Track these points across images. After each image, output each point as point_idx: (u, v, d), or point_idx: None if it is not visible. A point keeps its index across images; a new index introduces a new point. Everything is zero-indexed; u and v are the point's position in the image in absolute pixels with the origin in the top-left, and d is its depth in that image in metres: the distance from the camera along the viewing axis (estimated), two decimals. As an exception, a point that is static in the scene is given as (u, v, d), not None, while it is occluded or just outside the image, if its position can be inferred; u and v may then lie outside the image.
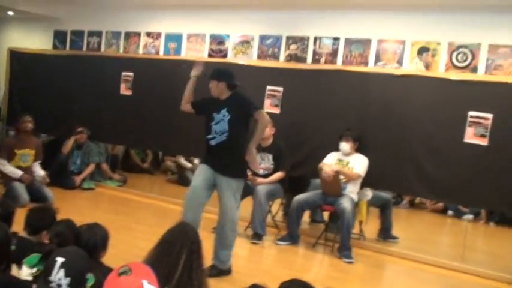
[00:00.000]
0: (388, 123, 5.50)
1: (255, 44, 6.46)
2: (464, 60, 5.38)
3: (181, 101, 4.48)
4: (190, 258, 2.37)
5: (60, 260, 2.00)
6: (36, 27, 8.32)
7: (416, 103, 5.38)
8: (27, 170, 6.20)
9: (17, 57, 8.34)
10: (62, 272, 1.97)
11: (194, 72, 4.43)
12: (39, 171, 6.32)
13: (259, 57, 6.44)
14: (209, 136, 4.14)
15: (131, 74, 7.25)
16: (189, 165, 8.44)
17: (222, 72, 4.23)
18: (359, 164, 5.37)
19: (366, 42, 5.79)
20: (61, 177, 7.05)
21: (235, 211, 4.15)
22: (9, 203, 3.43)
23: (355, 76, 5.72)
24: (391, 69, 5.64)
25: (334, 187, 5.30)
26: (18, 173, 6.05)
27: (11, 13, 8.04)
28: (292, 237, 5.45)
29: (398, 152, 5.47)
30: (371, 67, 5.76)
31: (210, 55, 6.76)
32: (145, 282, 1.92)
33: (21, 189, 5.94)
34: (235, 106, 4.09)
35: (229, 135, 4.06)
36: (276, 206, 6.16)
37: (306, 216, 6.00)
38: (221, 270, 4.17)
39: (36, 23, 8.30)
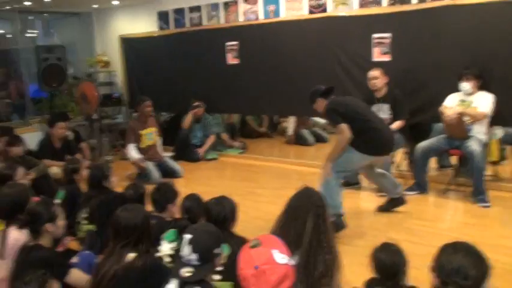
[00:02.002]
0: (512, 54, 5.04)
1: (355, -9, 6.18)
2: None
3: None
4: (317, 222, 2.38)
5: (188, 236, 2.08)
6: (141, 12, 8.64)
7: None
8: (154, 146, 6.69)
9: (128, 43, 8.80)
10: (189, 248, 2.06)
11: None
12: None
13: (360, 5, 6.14)
14: None
15: (236, 42, 7.33)
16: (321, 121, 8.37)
17: (310, 93, 4.38)
18: (484, 102, 5.01)
19: (478, -31, 5.28)
20: (185, 151, 7.44)
21: (326, 173, 4.11)
22: (139, 185, 3.67)
23: (468, 8, 5.26)
24: (509, -6, 5.12)
25: (459, 130, 5.02)
26: (134, 157, 6.45)
27: (116, 2, 8.43)
28: (420, 186, 5.29)
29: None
30: (485, -4, 5.26)
31: (310, 12, 6.59)
32: (275, 252, 1.96)
33: (152, 168, 6.37)
34: None
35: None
36: (398, 156, 5.97)
37: (432, 162, 5.76)
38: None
39: (140, 8, 8.61)
